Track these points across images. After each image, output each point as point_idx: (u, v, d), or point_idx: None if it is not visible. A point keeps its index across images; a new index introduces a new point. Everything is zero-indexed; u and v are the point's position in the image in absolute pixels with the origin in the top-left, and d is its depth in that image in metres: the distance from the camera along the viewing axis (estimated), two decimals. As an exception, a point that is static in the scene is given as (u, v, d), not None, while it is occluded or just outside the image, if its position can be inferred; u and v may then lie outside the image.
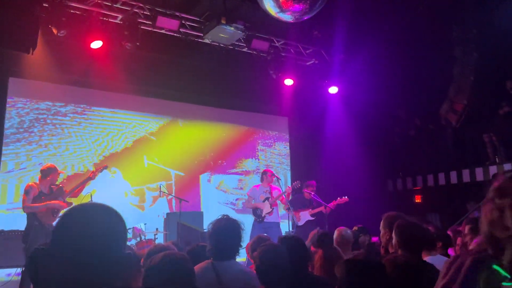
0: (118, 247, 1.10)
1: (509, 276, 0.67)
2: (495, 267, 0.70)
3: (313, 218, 7.47)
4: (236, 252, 2.87)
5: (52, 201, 5.57)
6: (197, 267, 2.43)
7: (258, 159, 9.90)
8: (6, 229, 6.29)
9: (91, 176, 5.93)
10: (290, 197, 7.60)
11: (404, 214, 3.36)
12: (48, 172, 5.71)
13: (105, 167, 6.20)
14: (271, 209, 7.25)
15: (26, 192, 5.52)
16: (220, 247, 2.80)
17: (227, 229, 2.83)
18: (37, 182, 5.70)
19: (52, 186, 5.74)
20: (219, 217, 2.92)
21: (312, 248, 4.34)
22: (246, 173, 9.67)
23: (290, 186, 7.89)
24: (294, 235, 4.48)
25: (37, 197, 5.54)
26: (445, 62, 7.72)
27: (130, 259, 1.12)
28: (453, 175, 9.58)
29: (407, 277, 2.10)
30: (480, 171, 8.97)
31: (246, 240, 4.71)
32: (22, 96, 7.36)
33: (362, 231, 5.40)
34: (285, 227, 8.42)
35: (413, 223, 2.87)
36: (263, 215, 7.21)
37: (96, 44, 6.86)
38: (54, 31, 6.32)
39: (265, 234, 6.52)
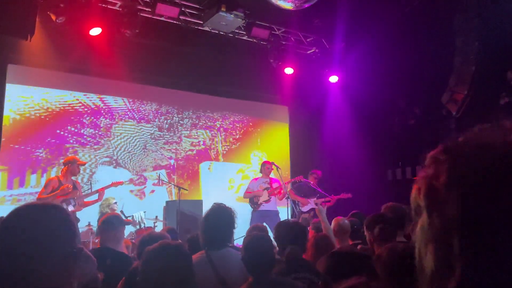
0: (62, 242, 1.08)
1: None
2: None
3: (317, 207, 7.51)
4: (229, 239, 2.86)
5: (61, 189, 5.57)
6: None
7: (257, 149, 9.89)
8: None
9: (111, 186, 6.27)
10: (290, 186, 7.62)
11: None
12: (66, 164, 5.78)
13: (122, 183, 6.57)
14: (268, 198, 7.27)
15: (45, 185, 5.63)
16: (212, 235, 2.78)
17: (217, 217, 2.82)
18: (58, 175, 5.78)
19: (75, 180, 5.80)
20: (213, 205, 2.91)
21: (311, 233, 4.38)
22: (246, 162, 9.68)
23: (290, 179, 7.92)
24: (296, 220, 4.50)
25: (58, 189, 5.58)
26: (446, 51, 7.66)
27: (71, 258, 1.09)
28: (452, 165, 9.57)
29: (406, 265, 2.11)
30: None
31: (244, 228, 4.73)
32: (21, 83, 7.33)
33: (357, 216, 5.41)
34: (284, 215, 8.46)
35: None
36: (259, 203, 7.23)
37: (95, 31, 6.81)
38: (53, 17, 6.27)
39: (264, 224, 6.58)
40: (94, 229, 6.58)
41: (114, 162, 8.08)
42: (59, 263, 1.06)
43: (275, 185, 7.31)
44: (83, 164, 6.07)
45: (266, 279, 2.31)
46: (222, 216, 2.80)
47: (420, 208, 0.64)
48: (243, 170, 9.59)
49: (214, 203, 2.92)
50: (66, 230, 1.11)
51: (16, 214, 1.11)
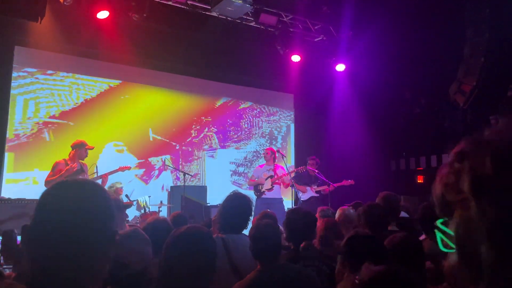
0: (103, 224, 1.03)
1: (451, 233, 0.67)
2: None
3: (317, 195, 7.53)
4: (243, 225, 2.94)
5: (66, 170, 5.59)
6: None
7: (263, 136, 9.89)
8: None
9: (118, 170, 6.28)
10: (293, 175, 7.62)
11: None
12: (75, 147, 5.79)
13: (129, 168, 6.61)
14: (271, 186, 7.28)
15: (52, 168, 5.65)
16: (227, 221, 2.90)
17: (234, 204, 2.94)
18: (66, 158, 5.79)
19: (81, 162, 5.82)
20: (230, 193, 3.00)
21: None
22: (250, 148, 9.69)
23: (295, 168, 7.92)
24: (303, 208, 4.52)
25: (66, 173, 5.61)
26: (455, 42, 7.60)
27: (113, 237, 1.05)
28: (457, 157, 9.55)
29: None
30: (484, 153, 8.93)
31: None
32: (28, 65, 7.31)
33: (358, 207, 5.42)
34: (288, 204, 8.49)
35: None
36: (262, 190, 7.25)
37: (103, 14, 6.76)
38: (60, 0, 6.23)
39: (268, 210, 6.61)
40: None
41: (120, 147, 8.10)
42: (99, 245, 1.02)
43: (279, 171, 7.31)
44: (91, 148, 6.06)
45: (274, 266, 2.33)
46: (238, 204, 2.90)
47: (460, 201, 0.64)
48: (246, 157, 9.61)
49: (233, 191, 3.05)
50: (106, 209, 1.06)
51: (53, 193, 1.05)
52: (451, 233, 0.67)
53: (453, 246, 0.67)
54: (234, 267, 2.61)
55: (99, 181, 6.17)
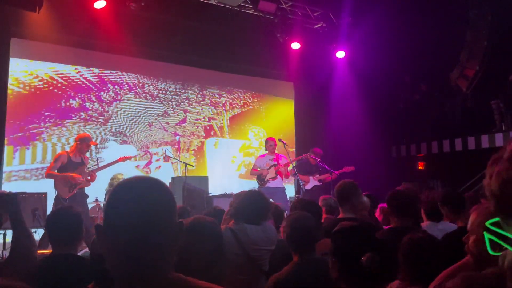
0: (171, 218, 1.07)
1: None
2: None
3: (320, 183, 7.51)
4: (254, 219, 2.91)
5: (70, 174, 5.57)
6: None
7: (263, 125, 9.84)
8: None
9: (119, 161, 6.23)
10: (295, 163, 7.60)
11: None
12: (78, 140, 5.77)
13: (130, 158, 6.56)
14: (275, 175, 7.26)
15: (55, 159, 5.64)
16: (240, 211, 2.90)
17: (250, 199, 2.94)
18: (68, 150, 5.76)
19: (82, 156, 5.78)
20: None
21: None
22: (251, 138, 9.64)
23: (296, 157, 7.89)
24: (308, 199, 4.49)
25: (67, 165, 5.58)
26: (456, 26, 7.54)
27: (180, 227, 1.09)
28: (458, 142, 9.56)
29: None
30: (485, 138, 8.94)
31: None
32: (24, 57, 7.21)
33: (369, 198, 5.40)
34: (291, 192, 8.49)
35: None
36: (266, 179, 7.24)
37: (100, 4, 6.65)
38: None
39: (271, 200, 6.58)
40: (102, 204, 6.60)
41: (119, 137, 8.04)
42: (173, 234, 1.06)
43: (282, 161, 7.28)
44: (95, 145, 6.07)
45: (311, 259, 2.32)
46: (253, 200, 2.93)
47: None
48: (246, 147, 9.56)
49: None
50: (171, 202, 1.10)
51: (120, 191, 1.08)
52: (506, 234, 0.63)
53: (508, 247, 0.63)
54: (247, 254, 2.61)
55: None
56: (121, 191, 1.08)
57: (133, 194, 1.05)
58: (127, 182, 1.11)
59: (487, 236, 0.66)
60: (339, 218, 3.32)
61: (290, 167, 7.30)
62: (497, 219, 0.65)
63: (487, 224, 0.66)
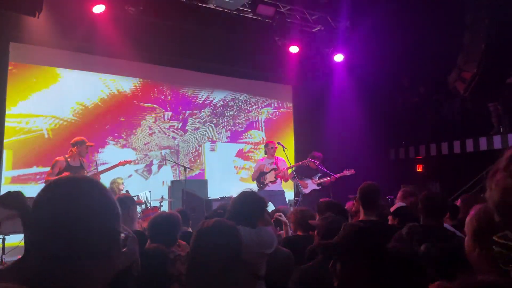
0: (102, 223, 0.96)
1: None
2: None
3: (319, 187, 7.51)
4: (250, 221, 2.89)
5: None
6: None
7: (262, 128, 9.85)
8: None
9: (119, 165, 6.29)
10: (294, 168, 7.60)
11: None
12: (75, 145, 5.73)
13: (130, 162, 6.64)
14: (275, 179, 7.27)
15: (52, 165, 5.62)
16: (236, 212, 2.82)
17: (246, 200, 2.87)
18: (66, 155, 5.74)
19: (81, 159, 5.77)
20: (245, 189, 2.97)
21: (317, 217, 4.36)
22: (250, 141, 9.65)
23: (297, 162, 7.89)
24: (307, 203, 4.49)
25: (66, 170, 5.57)
26: (454, 29, 7.57)
27: (114, 235, 0.98)
28: (457, 145, 9.58)
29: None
30: (484, 140, 8.96)
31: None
32: (23, 61, 7.22)
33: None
34: (289, 196, 8.49)
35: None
36: (265, 183, 7.24)
37: (98, 9, 6.67)
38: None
39: (269, 202, 6.58)
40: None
41: (119, 142, 8.04)
42: (101, 247, 0.94)
43: (282, 164, 7.29)
44: (92, 146, 6.03)
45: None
46: (250, 200, 2.85)
47: None
48: (246, 151, 9.57)
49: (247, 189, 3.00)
50: (105, 208, 0.98)
51: (47, 191, 0.98)
52: None
53: None
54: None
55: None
56: (45, 192, 0.98)
57: (54, 196, 0.96)
58: (55, 182, 1.01)
59: (496, 249, 0.66)
60: (361, 220, 3.28)
61: (289, 171, 7.32)
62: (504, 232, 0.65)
63: (494, 238, 0.66)
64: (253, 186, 7.47)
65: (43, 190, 0.99)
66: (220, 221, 1.94)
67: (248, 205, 2.78)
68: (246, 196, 2.81)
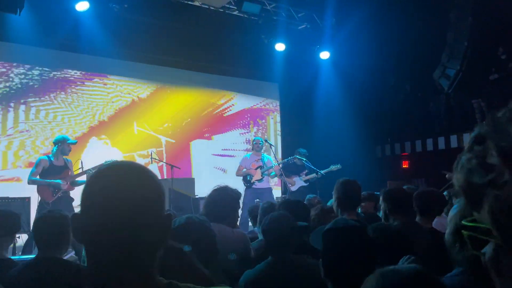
0: (159, 211, 0.94)
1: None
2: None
3: (306, 184, 7.54)
4: (226, 216, 2.89)
5: (55, 181, 5.45)
6: None
7: (248, 126, 9.84)
8: None
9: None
10: (281, 165, 7.61)
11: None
12: (57, 143, 5.62)
13: None
14: (261, 177, 7.27)
15: (36, 165, 5.48)
16: (210, 209, 2.86)
17: (220, 197, 2.90)
18: (49, 154, 5.63)
19: (65, 157, 5.66)
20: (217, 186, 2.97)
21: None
22: (237, 139, 9.63)
23: (284, 159, 7.90)
24: (295, 199, 4.50)
25: (49, 169, 5.46)
26: (438, 27, 7.65)
27: (169, 219, 0.96)
28: (441, 141, 9.69)
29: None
30: (467, 136, 9.06)
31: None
32: (6, 60, 7.09)
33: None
34: (277, 193, 8.50)
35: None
36: (252, 181, 7.24)
37: (82, 6, 6.57)
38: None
39: (257, 200, 6.58)
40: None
41: (104, 140, 7.96)
42: (162, 230, 0.93)
43: (268, 162, 7.30)
44: (74, 143, 5.91)
45: (285, 259, 2.31)
46: (223, 196, 2.88)
47: (491, 181, 0.59)
48: (232, 148, 9.55)
49: (221, 185, 3.00)
50: (157, 191, 0.95)
51: (101, 176, 0.94)
52: (484, 225, 0.62)
53: (487, 238, 0.62)
54: None
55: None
56: (101, 180, 0.94)
57: (114, 183, 0.91)
58: (107, 169, 0.96)
59: (465, 234, 0.65)
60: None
61: (276, 169, 7.32)
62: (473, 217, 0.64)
63: (463, 222, 0.65)
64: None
65: (94, 176, 0.95)
66: (192, 217, 1.98)
67: (220, 202, 2.80)
68: (216, 193, 2.84)
